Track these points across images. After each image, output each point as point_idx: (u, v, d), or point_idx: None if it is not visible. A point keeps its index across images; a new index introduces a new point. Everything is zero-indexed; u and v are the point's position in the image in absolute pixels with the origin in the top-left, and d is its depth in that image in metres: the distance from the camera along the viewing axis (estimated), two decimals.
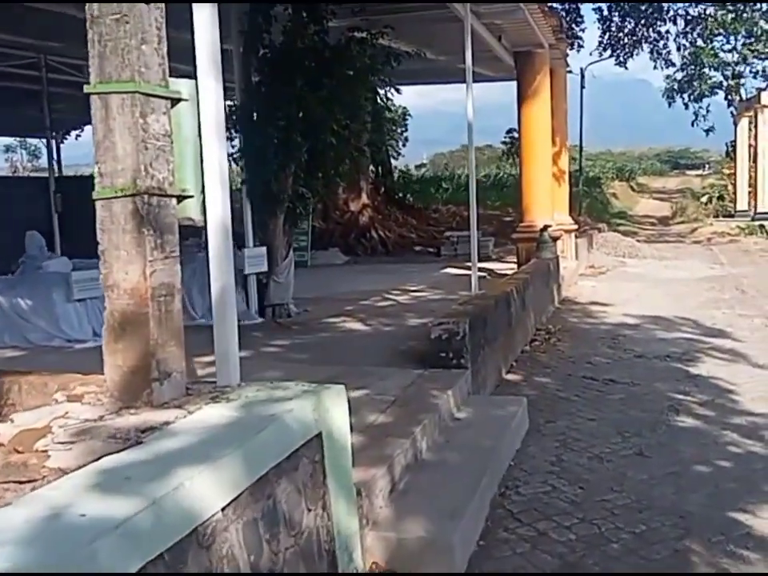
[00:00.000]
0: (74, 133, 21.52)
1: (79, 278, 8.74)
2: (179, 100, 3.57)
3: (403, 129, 35.59)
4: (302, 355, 7.43)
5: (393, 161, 26.54)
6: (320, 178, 9.75)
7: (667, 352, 8.75)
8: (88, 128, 22.18)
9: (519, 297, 8.93)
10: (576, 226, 17.18)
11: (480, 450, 5.26)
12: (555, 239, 13.62)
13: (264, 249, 9.70)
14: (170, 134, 3.51)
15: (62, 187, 15.19)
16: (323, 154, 9.55)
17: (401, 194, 22.36)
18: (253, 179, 9.48)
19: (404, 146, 36.16)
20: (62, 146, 19.76)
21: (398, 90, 21.82)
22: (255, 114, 9.16)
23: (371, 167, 21.95)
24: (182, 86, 3.60)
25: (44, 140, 18.85)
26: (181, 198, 3.61)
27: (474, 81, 10.21)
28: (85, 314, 8.85)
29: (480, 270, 13.29)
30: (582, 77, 30.75)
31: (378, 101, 22.35)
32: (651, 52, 31.89)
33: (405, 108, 36.81)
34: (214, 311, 4.35)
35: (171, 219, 3.55)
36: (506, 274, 12.33)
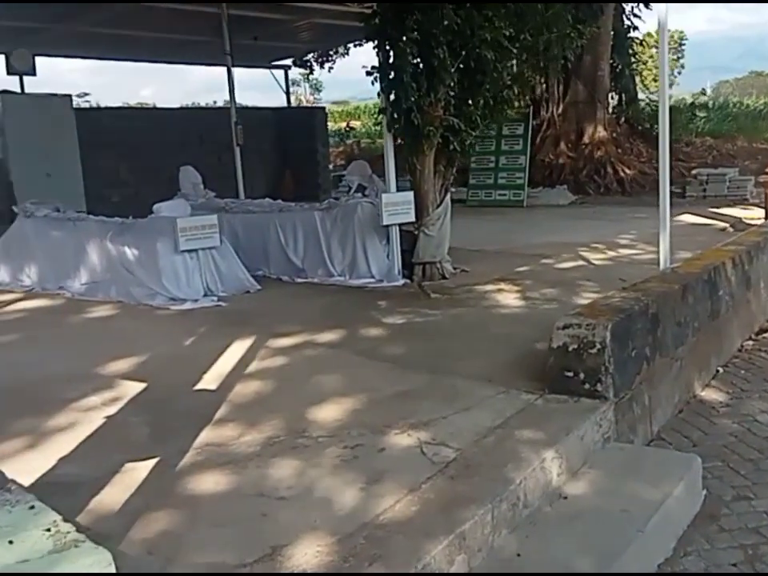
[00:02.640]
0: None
1: (187, 226, 7.13)
2: None
3: (679, 55, 30.79)
4: (402, 348, 5.22)
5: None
6: (476, 105, 7.26)
7: None
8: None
9: (740, 271, 5.99)
10: None
11: None
12: None
13: (409, 194, 7.48)
14: None
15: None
16: (480, 73, 7.07)
17: (647, 125, 18.71)
18: (392, 109, 7.24)
19: (679, 73, 31.47)
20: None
21: (647, 5, 18.09)
22: (387, 23, 6.85)
23: (611, 95, 18.48)
24: None
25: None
26: None
27: None
28: (196, 269, 7.24)
29: (724, 218, 10.07)
30: None
31: (625, 19, 18.79)
32: None
33: (681, 32, 31.84)
34: None
35: None
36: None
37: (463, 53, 7.04)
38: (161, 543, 2.81)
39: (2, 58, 14.41)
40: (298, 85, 57.57)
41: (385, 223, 7.40)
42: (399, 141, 7.49)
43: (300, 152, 18.01)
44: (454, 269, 7.74)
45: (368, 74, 7.29)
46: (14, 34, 13.75)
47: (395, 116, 7.25)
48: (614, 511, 3.32)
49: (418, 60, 7.07)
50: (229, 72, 12.12)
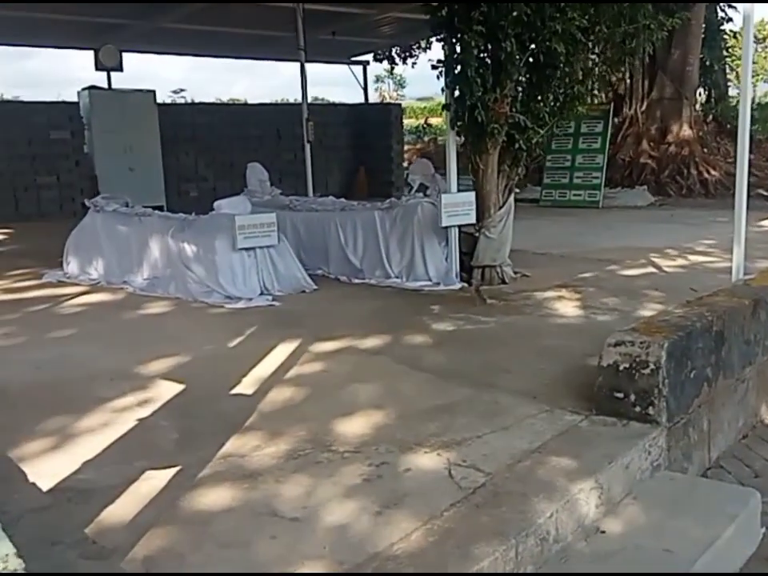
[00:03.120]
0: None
1: (245, 223, 7.04)
2: None
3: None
4: (446, 357, 4.97)
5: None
6: (545, 101, 6.93)
7: None
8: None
9: None
10: None
11: None
12: None
13: (470, 195, 7.21)
14: None
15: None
16: (550, 68, 6.73)
17: (736, 124, 17.75)
18: (456, 105, 6.98)
19: None
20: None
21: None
22: (453, 15, 6.58)
23: (699, 91, 17.65)
24: None
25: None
26: None
27: None
28: (253, 267, 7.15)
29: None
30: None
31: (718, 10, 17.89)
32: None
33: None
34: None
35: None
36: None
37: (532, 46, 6.72)
38: (162, 562, 2.67)
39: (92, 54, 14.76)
40: (382, 81, 57.55)
41: (444, 224, 7.14)
42: (462, 139, 7.24)
43: (375, 149, 17.89)
44: (515, 273, 7.44)
45: (433, 67, 7.06)
46: (101, 30, 14.05)
47: (459, 112, 7.00)
48: (656, 550, 3.02)
49: (485, 54, 6.81)
50: (302, 67, 12.05)
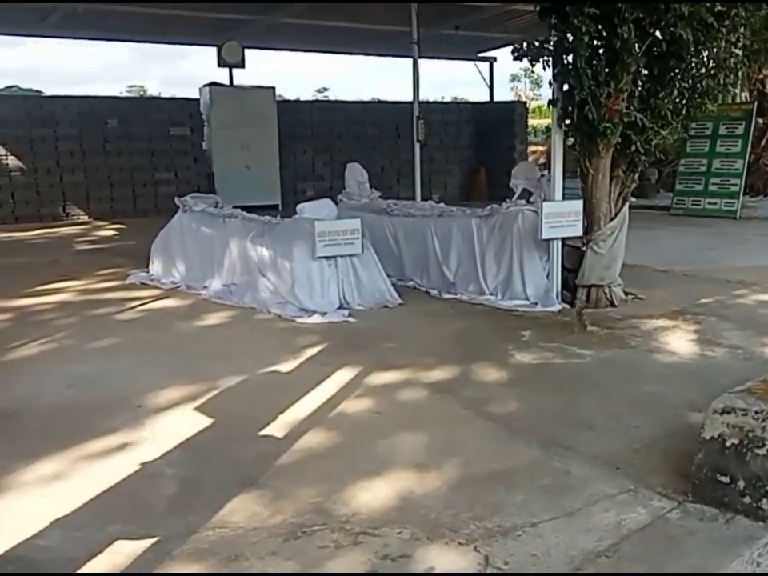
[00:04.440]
0: None
1: (326, 230, 6.41)
2: None
3: None
4: (521, 402, 4.12)
5: None
6: (668, 97, 5.89)
7: None
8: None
9: None
10: None
11: None
12: None
13: (577, 204, 6.28)
14: None
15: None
16: (674, 58, 5.71)
17: None
18: (563, 100, 6.07)
19: None
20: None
21: None
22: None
23: None
24: None
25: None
26: None
27: None
28: (334, 278, 6.51)
29: None
30: None
31: None
32: None
33: None
34: None
35: None
36: None
37: (654, 32, 5.74)
38: None
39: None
40: (518, 80, 56.00)
41: (544, 237, 6.25)
42: (570, 139, 6.33)
43: (497, 149, 16.93)
44: (626, 294, 6.43)
45: (534, 59, 6.20)
46: (224, 26, 13.87)
47: (567, 109, 6.10)
48: None
49: (598, 41, 5.88)
50: (414, 63, 11.32)
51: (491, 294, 6.74)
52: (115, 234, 11.75)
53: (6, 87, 30.39)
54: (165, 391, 4.32)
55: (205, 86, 14.42)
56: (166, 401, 4.19)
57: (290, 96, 18.80)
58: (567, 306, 6.29)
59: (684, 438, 3.46)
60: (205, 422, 3.89)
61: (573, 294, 6.43)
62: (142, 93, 42.17)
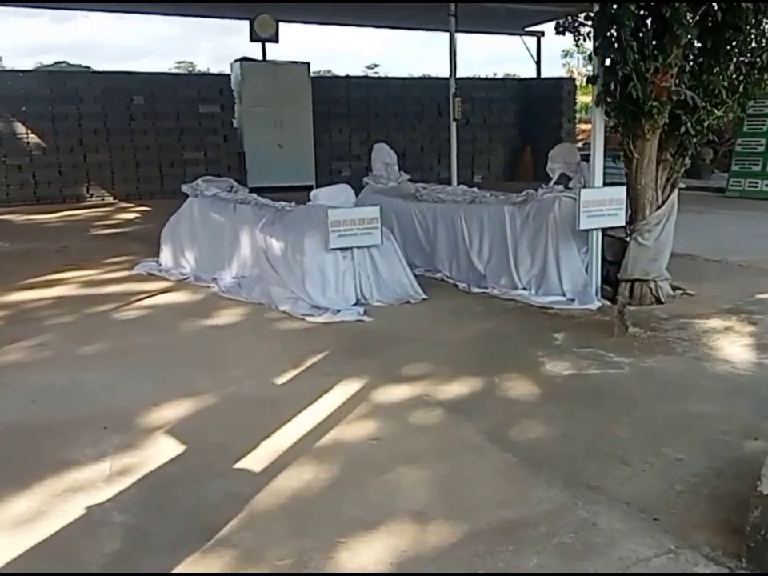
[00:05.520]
0: None
1: (341, 219, 5.86)
2: None
3: None
4: (546, 426, 3.54)
5: None
6: (723, 73, 5.18)
7: None
8: None
9: None
10: None
11: None
12: None
13: (620, 190, 5.62)
14: None
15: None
16: (731, 29, 5.00)
17: None
18: (605, 76, 5.40)
19: None
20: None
21: None
22: None
23: None
24: None
25: None
26: None
27: None
28: (350, 271, 5.97)
29: None
30: None
31: None
32: None
33: None
34: None
35: None
36: None
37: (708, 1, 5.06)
38: None
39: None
40: (571, 56, 54.39)
41: (582, 227, 5.61)
42: (613, 120, 5.66)
43: (543, 127, 16.13)
44: (674, 290, 5.78)
45: (574, 31, 5.54)
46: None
47: (609, 86, 5.43)
48: None
49: (645, 11, 5.21)
50: (451, 36, 10.65)
51: (524, 289, 6.13)
52: (137, 217, 11.36)
53: (55, 63, 30.38)
54: (138, 409, 3.83)
55: (236, 61, 13.90)
56: (137, 422, 3.70)
57: (341, 73, 18.09)
58: (607, 302, 5.66)
59: (736, 477, 2.90)
60: (174, 450, 3.39)
61: (614, 290, 5.79)
62: (190, 69, 41.92)
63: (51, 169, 13.10)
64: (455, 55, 10.65)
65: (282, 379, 4.26)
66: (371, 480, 3.07)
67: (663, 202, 5.62)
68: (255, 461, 3.26)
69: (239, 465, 3.23)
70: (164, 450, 3.38)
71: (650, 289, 5.69)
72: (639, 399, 3.85)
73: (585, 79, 5.90)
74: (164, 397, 3.99)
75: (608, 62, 5.38)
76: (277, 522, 2.78)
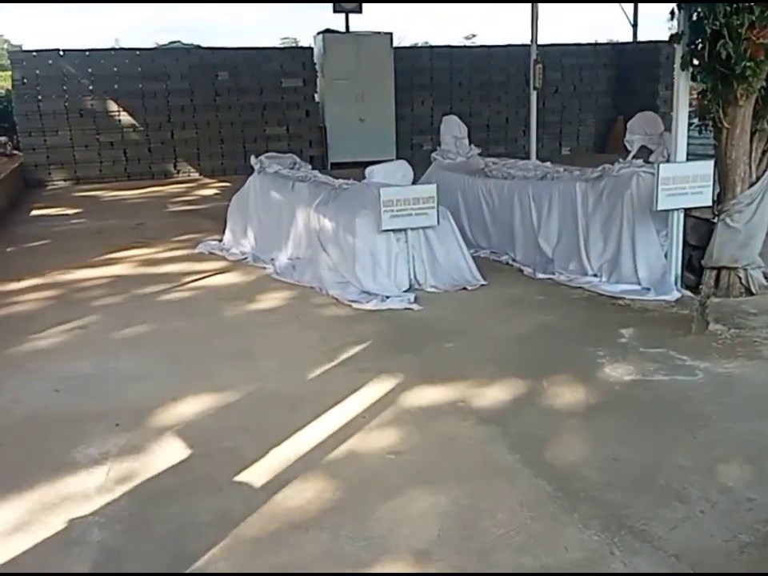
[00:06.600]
0: None
1: (394, 198, 5.41)
2: None
3: None
4: (594, 445, 3.02)
5: None
6: None
7: None
8: None
9: None
10: None
11: None
12: None
13: (706, 165, 4.91)
14: None
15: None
16: None
17: None
18: (691, 33, 4.70)
19: None
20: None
21: None
22: None
23: None
24: None
25: None
26: None
27: None
28: (403, 254, 5.52)
29: None
30: None
31: None
32: None
33: None
34: None
35: None
36: None
37: None
38: None
39: None
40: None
41: (660, 208, 4.96)
42: (699, 84, 4.96)
43: (638, 96, 15.02)
44: (767, 280, 5.07)
45: None
46: None
47: (695, 44, 4.74)
48: None
49: None
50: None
51: (594, 276, 5.52)
52: (216, 194, 11.18)
53: (170, 42, 30.81)
54: (156, 405, 3.54)
55: (318, 33, 13.56)
56: (150, 420, 3.41)
57: (439, 43, 17.42)
58: (688, 293, 4.99)
59: None
60: (179, 455, 3.07)
61: (698, 278, 5.12)
62: (293, 44, 42.03)
63: (141, 146, 13.12)
64: (537, 19, 9.89)
65: (311, 374, 3.89)
66: (377, 505, 2.65)
67: (758, 179, 4.87)
68: (259, 473, 2.89)
69: (240, 477, 2.88)
70: (168, 454, 3.08)
71: (740, 278, 4.99)
72: (711, 416, 3.26)
73: (668, 38, 5.14)
74: (185, 391, 3.71)
75: (695, 16, 4.70)
76: (260, 553, 2.42)
